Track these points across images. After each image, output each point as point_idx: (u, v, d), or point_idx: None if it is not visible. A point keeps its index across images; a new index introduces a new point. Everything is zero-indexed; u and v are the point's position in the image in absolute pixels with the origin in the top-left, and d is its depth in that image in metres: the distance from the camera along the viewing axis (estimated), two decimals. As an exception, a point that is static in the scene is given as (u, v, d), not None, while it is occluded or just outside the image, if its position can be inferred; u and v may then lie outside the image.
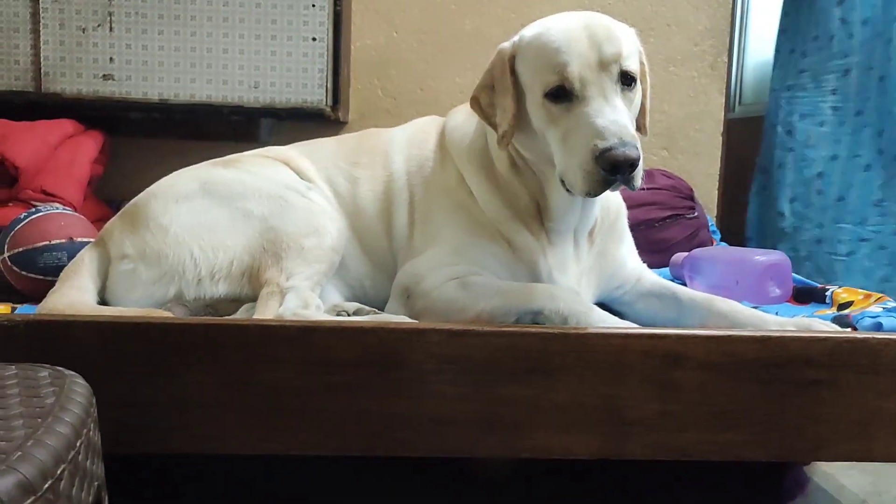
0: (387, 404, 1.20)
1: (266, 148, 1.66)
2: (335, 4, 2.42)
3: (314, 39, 2.42)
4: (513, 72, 1.37)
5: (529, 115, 1.36)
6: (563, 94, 1.28)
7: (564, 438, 1.22)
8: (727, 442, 1.23)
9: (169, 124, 2.60)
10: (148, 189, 1.50)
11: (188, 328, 1.20)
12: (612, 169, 1.20)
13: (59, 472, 0.70)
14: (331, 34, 2.42)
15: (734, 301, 1.48)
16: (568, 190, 1.32)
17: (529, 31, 1.39)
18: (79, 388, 0.83)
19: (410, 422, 1.21)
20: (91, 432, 0.80)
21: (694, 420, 1.22)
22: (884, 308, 1.43)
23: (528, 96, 1.36)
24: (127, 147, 2.61)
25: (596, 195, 1.28)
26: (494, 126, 1.40)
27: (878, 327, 1.30)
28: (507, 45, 1.41)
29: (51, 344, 1.17)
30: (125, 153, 2.60)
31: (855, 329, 1.35)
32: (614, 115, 1.24)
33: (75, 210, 2.07)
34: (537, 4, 2.69)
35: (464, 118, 1.55)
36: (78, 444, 0.75)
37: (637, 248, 1.70)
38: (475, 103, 1.43)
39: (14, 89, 2.45)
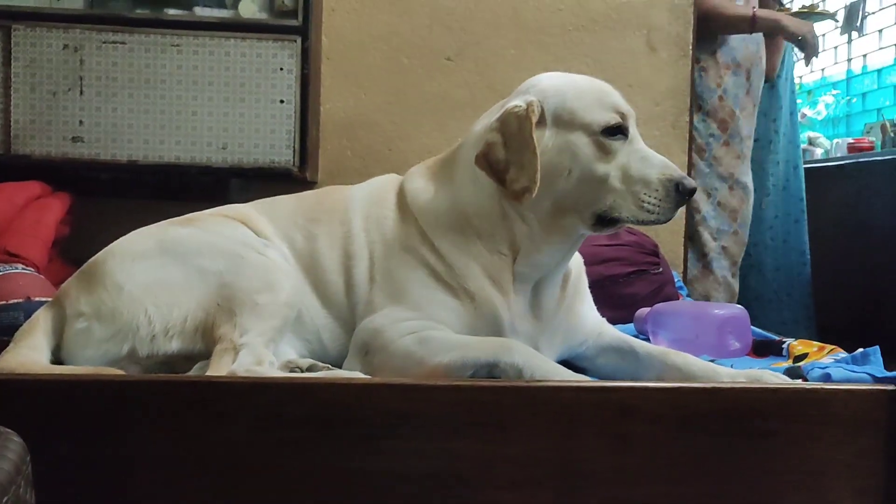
0: (339, 461, 1.19)
1: (225, 206, 1.67)
2: (303, 68, 2.46)
3: (282, 102, 2.45)
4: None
5: (561, 157, 1.41)
6: (618, 132, 1.42)
7: (519, 494, 1.21)
8: (681, 495, 1.22)
9: (138, 185, 2.61)
10: (106, 248, 1.51)
11: (138, 385, 1.20)
12: (689, 194, 1.39)
13: (-19, 529, 0.69)
14: (298, 97, 2.46)
15: (688, 354, 1.49)
16: (612, 220, 1.42)
17: (554, 82, 1.47)
18: (12, 445, 0.82)
19: (363, 479, 1.19)
20: (21, 489, 0.79)
21: (647, 473, 1.22)
22: (834, 359, 1.45)
23: (569, 136, 1.42)
24: (95, 207, 2.60)
25: (668, 220, 1.42)
26: (504, 181, 1.42)
27: (827, 378, 1.32)
28: (518, 102, 1.43)
29: (-3, 403, 1.16)
30: (93, 214, 2.58)
31: (806, 380, 1.37)
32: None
33: (38, 271, 2.06)
34: (501, 67, 2.77)
35: (425, 182, 1.57)
36: (4, 501, 0.73)
37: (602, 304, 1.71)
38: (482, 161, 1.44)
39: (-17, 152, 2.46)
